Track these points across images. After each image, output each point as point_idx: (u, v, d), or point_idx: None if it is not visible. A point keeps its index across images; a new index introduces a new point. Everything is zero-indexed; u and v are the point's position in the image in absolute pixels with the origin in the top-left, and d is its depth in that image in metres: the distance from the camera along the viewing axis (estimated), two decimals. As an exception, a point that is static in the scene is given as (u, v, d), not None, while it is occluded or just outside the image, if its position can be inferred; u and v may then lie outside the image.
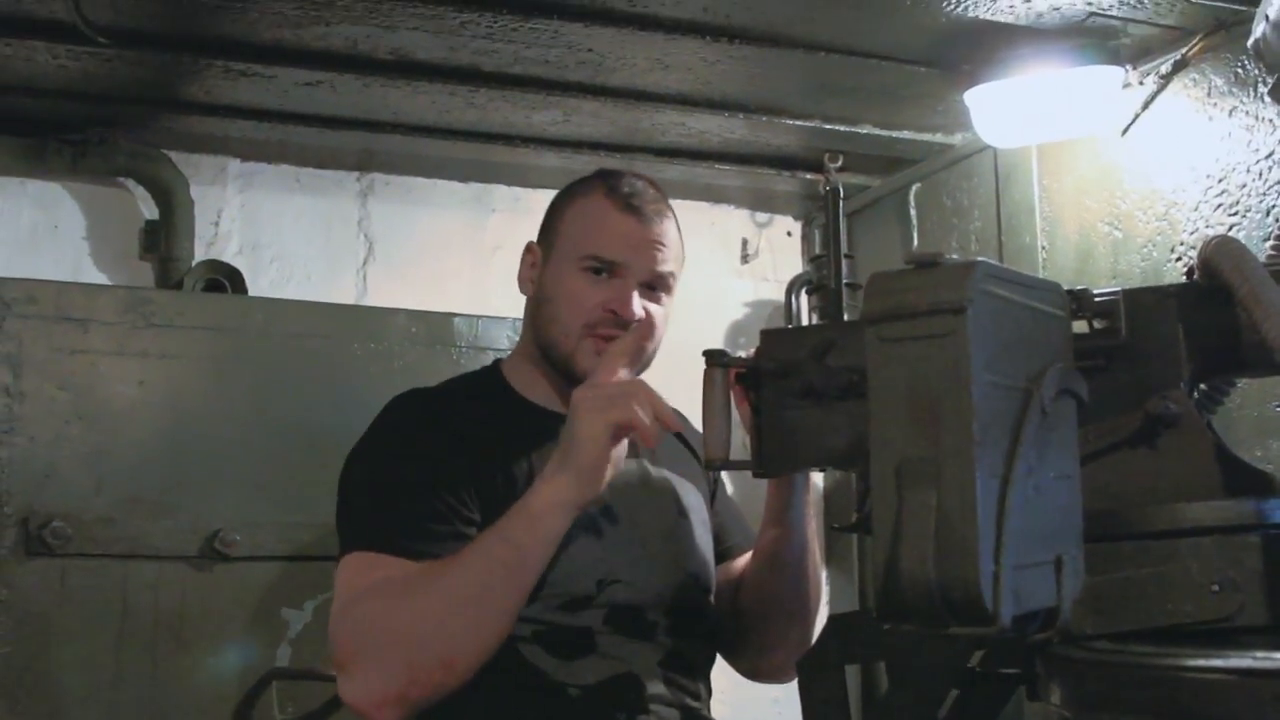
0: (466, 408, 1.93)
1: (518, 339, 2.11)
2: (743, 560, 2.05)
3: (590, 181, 2.00)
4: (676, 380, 2.19)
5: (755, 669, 2.08)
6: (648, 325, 1.88)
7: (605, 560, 1.83)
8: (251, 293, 3.26)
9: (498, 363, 2.07)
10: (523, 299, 2.03)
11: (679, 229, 1.99)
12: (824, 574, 2.05)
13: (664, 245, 1.92)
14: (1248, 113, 2.63)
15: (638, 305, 1.89)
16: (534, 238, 2.03)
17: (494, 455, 1.85)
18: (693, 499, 2.00)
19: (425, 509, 1.77)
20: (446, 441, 1.84)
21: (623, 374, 1.71)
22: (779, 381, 1.55)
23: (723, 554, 2.05)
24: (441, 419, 1.90)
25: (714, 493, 2.11)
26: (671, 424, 1.69)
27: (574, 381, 1.90)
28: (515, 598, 1.68)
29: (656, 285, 1.92)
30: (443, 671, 1.65)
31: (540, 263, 1.98)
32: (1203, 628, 1.22)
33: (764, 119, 3.26)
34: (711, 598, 2.00)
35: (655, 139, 3.44)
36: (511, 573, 1.66)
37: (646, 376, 1.95)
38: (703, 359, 1.70)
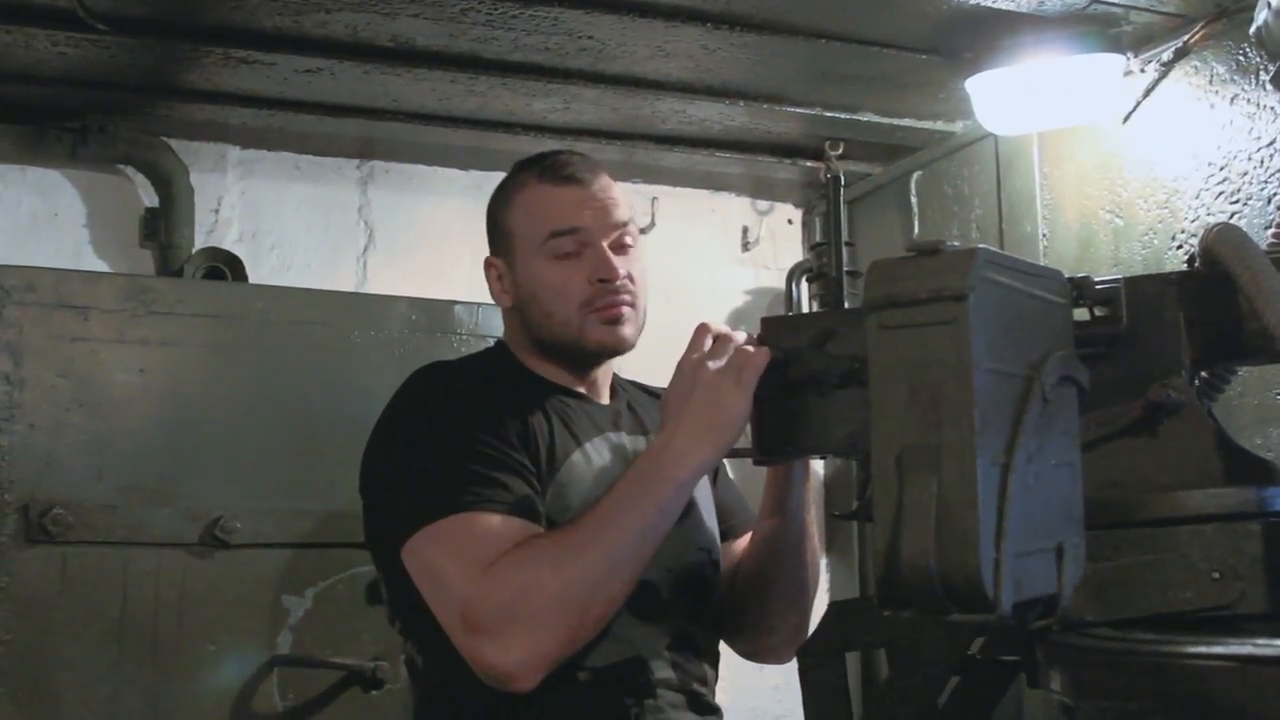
0: (490, 380, 1.94)
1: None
2: (743, 541, 2.05)
3: (516, 177, 2.01)
4: (677, 367, 2.19)
5: (752, 649, 2.09)
6: (636, 283, 1.91)
7: None
8: (251, 280, 3.25)
9: (501, 341, 2.06)
10: None
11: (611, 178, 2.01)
12: (823, 560, 2.05)
13: (613, 199, 1.94)
14: (1249, 100, 2.63)
15: (620, 264, 1.89)
16: None
17: (526, 423, 1.85)
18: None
19: (501, 464, 1.77)
20: (486, 405, 1.85)
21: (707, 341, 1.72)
22: (780, 369, 1.55)
23: (724, 534, 2.05)
24: (473, 387, 1.90)
25: (717, 473, 2.11)
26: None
27: (588, 359, 1.94)
28: (649, 558, 1.71)
29: (623, 241, 1.93)
30: (595, 629, 1.69)
31: (506, 271, 1.98)
32: (1203, 615, 1.22)
33: (765, 106, 3.25)
34: (720, 574, 2.00)
35: (656, 126, 3.44)
36: (656, 536, 1.69)
37: (634, 358, 1.96)
38: (704, 346, 1.71)
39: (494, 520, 1.71)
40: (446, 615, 1.70)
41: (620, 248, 1.92)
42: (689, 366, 1.71)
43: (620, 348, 1.94)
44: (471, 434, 1.79)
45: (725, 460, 2.12)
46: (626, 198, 1.99)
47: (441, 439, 1.81)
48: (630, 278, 1.90)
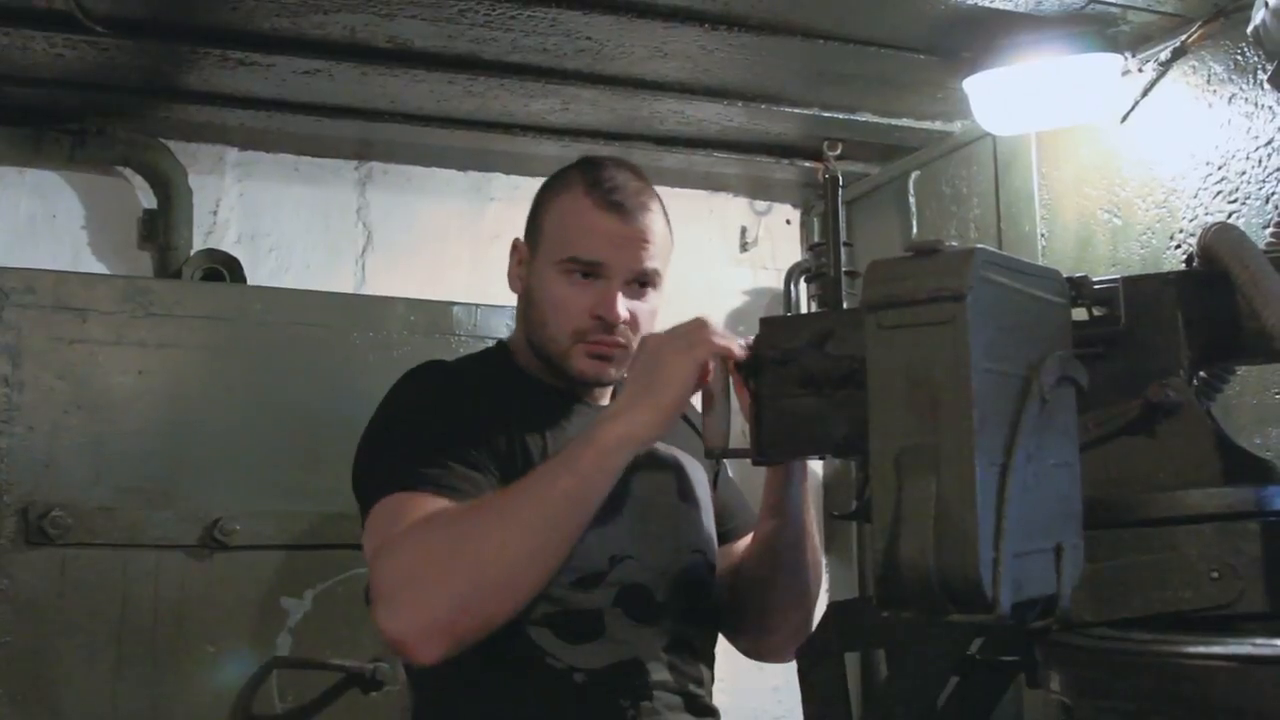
0: (481, 381, 1.94)
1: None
2: (744, 542, 2.05)
3: (570, 176, 1.96)
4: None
5: (755, 649, 2.09)
6: (637, 329, 1.89)
7: (617, 536, 1.83)
8: (250, 282, 3.25)
9: (503, 342, 2.07)
10: None
11: (666, 216, 1.97)
12: (824, 560, 2.04)
13: (647, 241, 1.90)
14: (1247, 100, 2.63)
15: (622, 307, 1.87)
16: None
17: (509, 427, 1.85)
18: (699, 475, 2.00)
19: (455, 453, 1.76)
20: (466, 406, 1.85)
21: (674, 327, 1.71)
22: (778, 369, 1.55)
23: (725, 535, 2.05)
24: (459, 386, 1.90)
25: (717, 474, 2.11)
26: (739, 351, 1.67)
27: (570, 383, 1.93)
28: (574, 531, 1.66)
29: (643, 281, 1.91)
30: (496, 601, 1.63)
31: (527, 259, 1.97)
32: (1202, 615, 1.22)
33: (763, 107, 3.25)
34: (715, 576, 2.00)
35: (654, 127, 3.44)
36: (574, 504, 1.65)
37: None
38: (702, 347, 1.70)
39: (421, 498, 1.70)
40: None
41: (637, 288, 1.90)
42: (643, 338, 1.73)
43: (601, 382, 1.94)
44: (435, 424, 1.80)
45: (725, 461, 2.12)
46: (668, 236, 1.97)
47: (406, 427, 1.83)
48: (632, 323, 1.89)
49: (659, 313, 1.96)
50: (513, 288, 2.00)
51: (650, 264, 1.90)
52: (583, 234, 1.88)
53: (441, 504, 1.69)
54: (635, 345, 1.88)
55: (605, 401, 2.00)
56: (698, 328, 1.66)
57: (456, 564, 1.61)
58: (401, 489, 1.73)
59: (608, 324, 1.86)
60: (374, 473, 1.81)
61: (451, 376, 1.95)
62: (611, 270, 1.87)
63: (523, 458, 1.83)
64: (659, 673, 1.85)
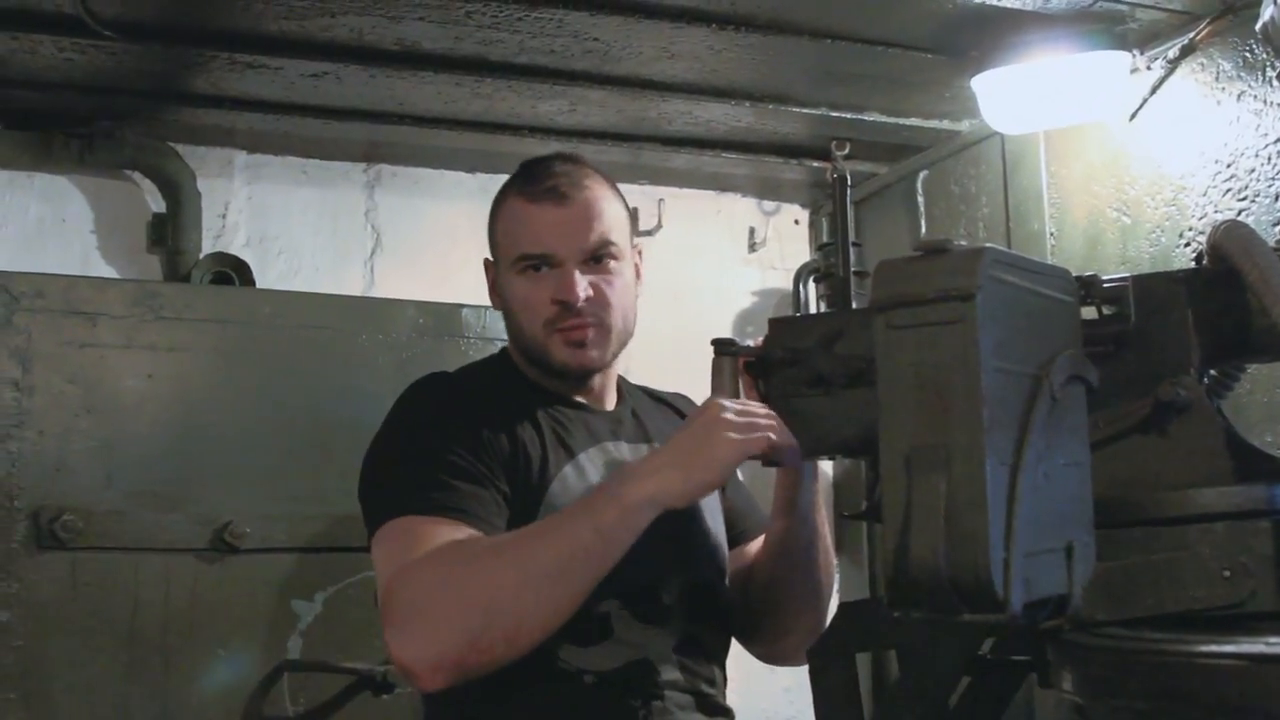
0: (483, 389, 1.94)
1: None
2: (755, 544, 2.05)
3: (508, 184, 2.00)
4: (684, 369, 2.19)
5: (770, 653, 2.08)
6: (606, 304, 1.88)
7: None
8: (259, 285, 3.26)
9: (506, 350, 2.07)
10: None
11: (611, 187, 1.97)
12: (835, 560, 2.04)
13: (590, 217, 1.90)
14: (1256, 97, 2.62)
15: (582, 287, 1.86)
16: None
17: (513, 433, 1.85)
18: None
19: (461, 471, 1.77)
20: (469, 416, 1.85)
21: (743, 400, 1.68)
22: (787, 370, 1.55)
23: (736, 538, 2.05)
24: (465, 399, 1.91)
25: None
26: (793, 458, 1.65)
27: (557, 376, 1.93)
28: (590, 583, 1.65)
29: (598, 257, 1.90)
30: (505, 644, 1.62)
31: (497, 276, 2.00)
32: (1214, 613, 1.22)
33: (771, 107, 3.25)
34: (725, 580, 2.00)
35: (662, 128, 3.44)
36: (592, 558, 1.64)
37: (642, 360, 1.95)
38: (711, 348, 1.70)
39: (433, 523, 1.71)
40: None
41: (597, 265, 1.90)
42: (709, 403, 1.68)
43: (588, 369, 1.93)
44: (440, 443, 1.80)
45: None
46: (618, 208, 1.96)
47: (412, 447, 1.83)
48: (597, 299, 1.88)
49: (637, 281, 1.97)
50: (494, 306, 2.02)
51: (596, 237, 1.90)
52: (524, 232, 1.91)
53: (451, 529, 1.70)
54: (610, 320, 1.89)
55: (610, 404, 2.00)
56: (762, 423, 1.62)
57: (470, 604, 1.62)
58: (410, 512, 1.74)
59: (570, 306, 1.86)
60: (381, 492, 1.82)
61: (454, 388, 1.95)
62: (561, 256, 1.88)
63: (525, 464, 1.83)
64: (670, 673, 1.85)
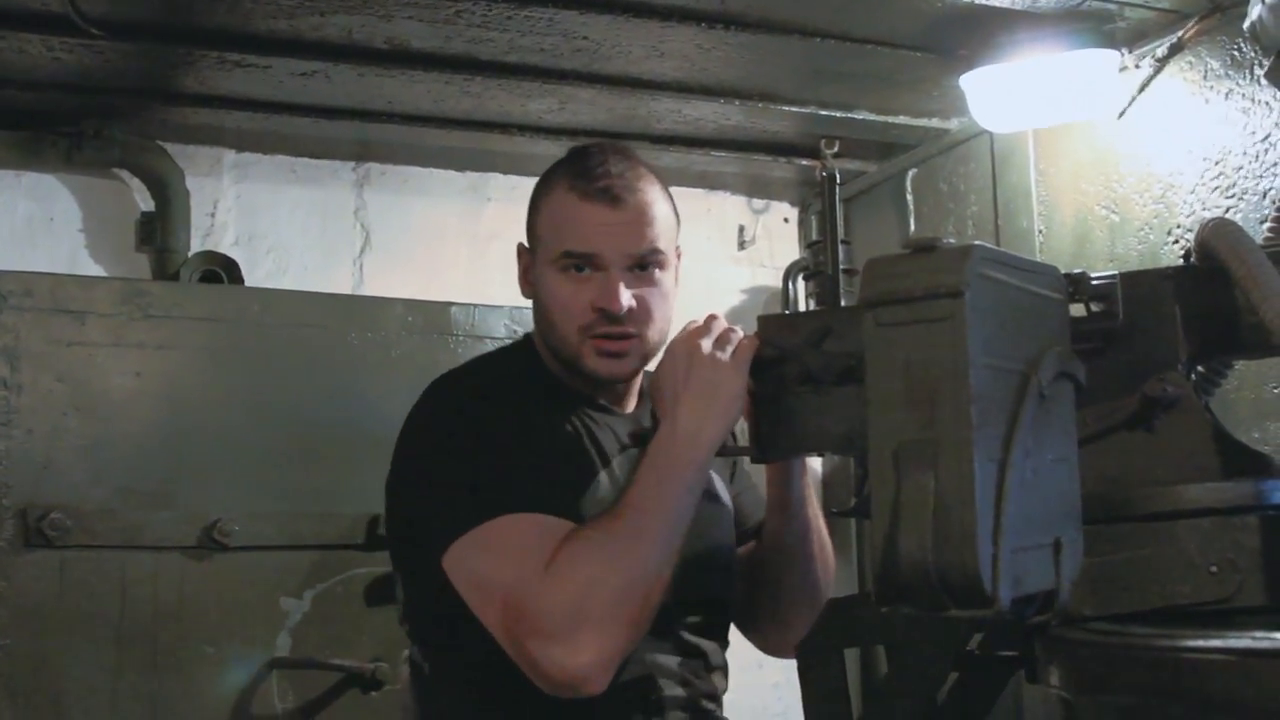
0: (519, 389, 1.88)
1: (520, 327, 2.06)
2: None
3: (556, 171, 1.90)
4: (674, 366, 2.18)
5: (770, 645, 2.08)
6: (648, 318, 1.83)
7: None
8: (248, 283, 3.25)
9: (529, 339, 1.99)
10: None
11: (664, 192, 1.89)
12: (832, 552, 2.03)
13: (642, 224, 1.82)
14: (1244, 95, 2.63)
15: (625, 296, 1.79)
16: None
17: (556, 438, 1.82)
18: (718, 483, 1.98)
19: (536, 469, 1.74)
20: (519, 418, 1.80)
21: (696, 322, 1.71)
22: (777, 367, 1.55)
23: (744, 535, 2.04)
24: (504, 398, 1.84)
25: (733, 472, 2.08)
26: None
27: (586, 381, 1.87)
28: (680, 542, 1.68)
29: (644, 265, 1.83)
30: (650, 620, 1.64)
31: (531, 265, 1.91)
32: (1201, 609, 1.23)
33: (760, 105, 3.26)
34: (734, 590, 1.99)
35: (651, 126, 3.44)
36: (689, 517, 1.66)
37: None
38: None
39: (537, 520, 1.67)
40: (499, 621, 1.65)
41: (641, 271, 1.83)
42: (681, 346, 1.68)
43: (618, 379, 1.88)
44: (506, 442, 1.75)
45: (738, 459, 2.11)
46: (667, 211, 1.88)
47: (477, 447, 1.76)
48: (640, 311, 1.82)
49: (675, 293, 1.90)
50: (524, 294, 1.95)
51: (647, 246, 1.82)
52: (572, 229, 1.82)
53: (557, 523, 1.67)
54: (650, 333, 1.84)
55: (630, 406, 1.95)
56: (731, 335, 1.65)
57: (630, 593, 1.61)
58: (502, 512, 1.68)
59: (612, 315, 1.80)
60: (455, 497, 1.73)
61: (493, 386, 1.88)
62: (608, 259, 1.81)
63: (565, 467, 1.80)
64: (672, 688, 1.83)
